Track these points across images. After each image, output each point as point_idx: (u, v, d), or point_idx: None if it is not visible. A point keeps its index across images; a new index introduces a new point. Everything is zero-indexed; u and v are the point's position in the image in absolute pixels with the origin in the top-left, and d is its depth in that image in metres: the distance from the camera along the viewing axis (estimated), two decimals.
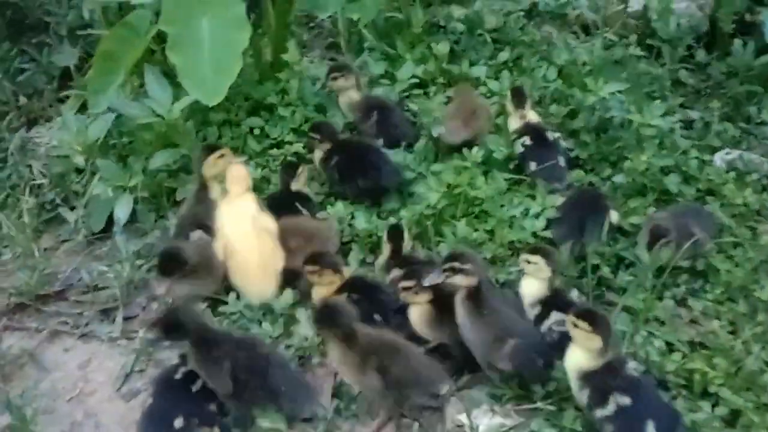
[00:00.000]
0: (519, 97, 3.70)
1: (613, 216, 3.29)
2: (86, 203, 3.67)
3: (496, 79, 4.09)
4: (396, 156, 3.66)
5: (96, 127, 3.63)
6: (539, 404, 2.82)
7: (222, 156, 3.40)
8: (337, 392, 2.93)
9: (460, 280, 2.82)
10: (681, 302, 3.15)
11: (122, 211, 3.48)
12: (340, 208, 3.48)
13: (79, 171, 3.85)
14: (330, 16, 4.73)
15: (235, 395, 2.72)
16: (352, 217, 3.45)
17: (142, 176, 3.51)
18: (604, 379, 2.55)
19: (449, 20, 4.39)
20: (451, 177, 3.47)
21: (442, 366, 2.82)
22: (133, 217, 3.55)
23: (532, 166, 3.56)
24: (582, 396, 2.61)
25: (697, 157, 3.68)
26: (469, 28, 4.36)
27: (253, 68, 4.13)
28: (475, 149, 3.54)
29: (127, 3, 3.80)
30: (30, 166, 3.92)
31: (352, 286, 3.06)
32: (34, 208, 3.71)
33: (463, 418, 2.74)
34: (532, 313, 2.95)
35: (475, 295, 2.81)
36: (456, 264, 2.82)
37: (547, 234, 3.33)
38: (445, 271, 2.83)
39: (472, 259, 2.86)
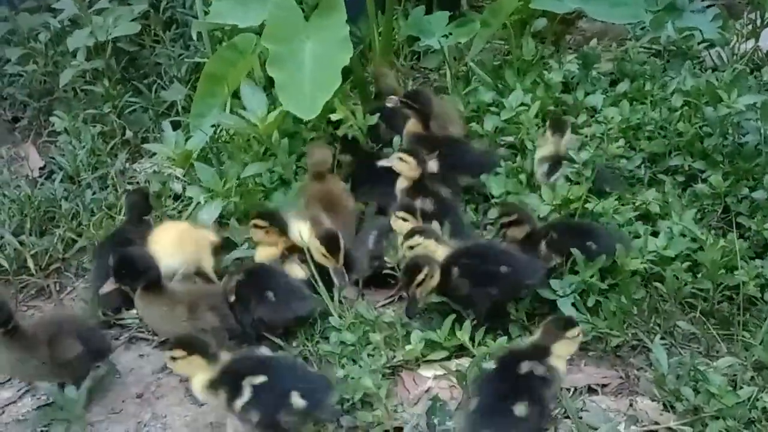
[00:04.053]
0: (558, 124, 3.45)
1: None
2: None
3: (616, 106, 3.78)
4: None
5: (194, 141, 3.56)
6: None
7: None
8: (432, 407, 2.56)
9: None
10: None
11: (209, 214, 3.32)
12: None
13: (177, 197, 3.79)
14: (437, 68, 4.71)
15: None
16: None
17: (236, 182, 3.35)
18: None
19: (562, 56, 4.16)
20: (564, 188, 3.15)
21: None
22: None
23: None
24: None
25: None
26: (584, 63, 4.12)
27: (358, 99, 4.02)
28: None
29: (234, 27, 3.81)
30: (128, 190, 3.87)
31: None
32: None
33: None
34: None
35: None
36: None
37: (670, 254, 2.91)
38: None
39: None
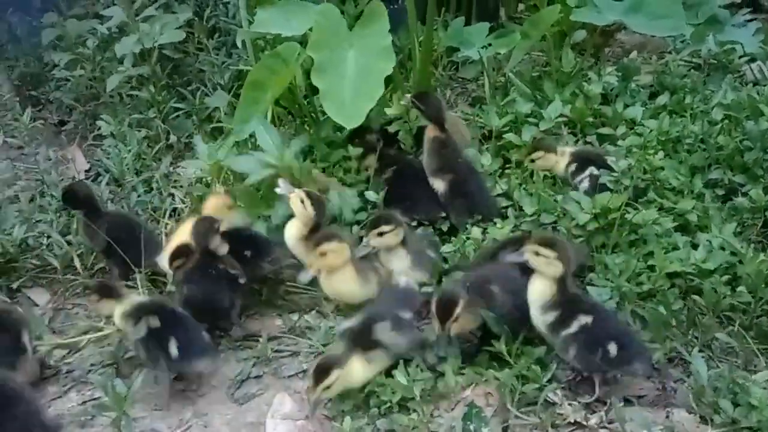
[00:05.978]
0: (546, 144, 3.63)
1: None
2: None
3: (655, 119, 3.77)
4: None
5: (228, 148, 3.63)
6: None
7: None
8: (468, 413, 2.59)
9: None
10: None
11: None
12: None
13: None
14: (475, 79, 4.76)
15: None
16: None
17: None
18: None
19: (602, 68, 4.17)
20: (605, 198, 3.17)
21: None
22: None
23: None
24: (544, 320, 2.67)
25: None
26: (623, 75, 4.13)
27: None
28: None
29: (277, 36, 3.88)
30: (173, 194, 3.97)
31: None
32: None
33: None
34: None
35: None
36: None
37: (709, 266, 2.92)
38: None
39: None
